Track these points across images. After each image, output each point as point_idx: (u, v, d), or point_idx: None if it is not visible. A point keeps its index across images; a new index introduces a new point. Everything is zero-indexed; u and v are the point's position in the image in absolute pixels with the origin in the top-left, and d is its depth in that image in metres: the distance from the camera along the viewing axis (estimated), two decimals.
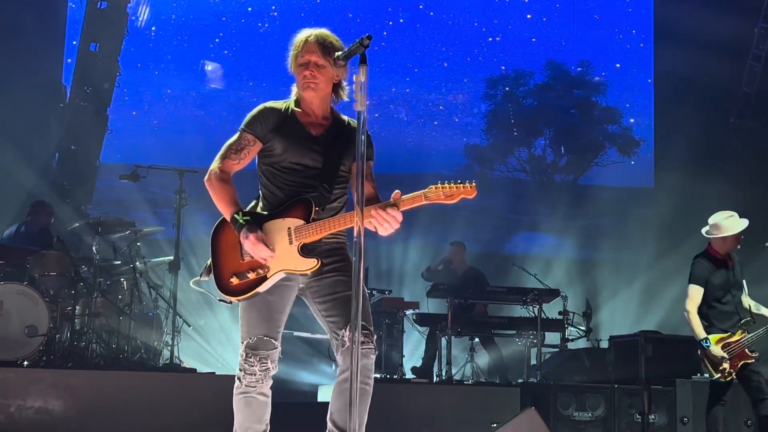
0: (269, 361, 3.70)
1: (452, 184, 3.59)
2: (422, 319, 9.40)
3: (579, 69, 15.38)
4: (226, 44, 13.70)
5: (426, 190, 3.59)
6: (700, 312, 6.52)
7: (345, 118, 3.92)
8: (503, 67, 15.08)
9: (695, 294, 6.50)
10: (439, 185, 3.59)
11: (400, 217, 3.55)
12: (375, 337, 3.72)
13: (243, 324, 3.74)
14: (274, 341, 3.70)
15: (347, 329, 3.61)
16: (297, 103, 3.85)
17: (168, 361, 7.78)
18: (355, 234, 3.20)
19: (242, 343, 3.73)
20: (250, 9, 14.13)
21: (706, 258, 6.61)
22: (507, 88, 15.28)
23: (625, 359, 8.55)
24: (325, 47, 3.73)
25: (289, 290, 3.76)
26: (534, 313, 9.05)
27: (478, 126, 15.18)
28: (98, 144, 11.75)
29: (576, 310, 9.52)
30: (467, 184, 3.60)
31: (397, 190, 3.59)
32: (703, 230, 6.71)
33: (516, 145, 15.28)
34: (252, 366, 3.67)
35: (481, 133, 15.26)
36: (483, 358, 9.70)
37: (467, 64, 14.93)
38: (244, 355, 3.69)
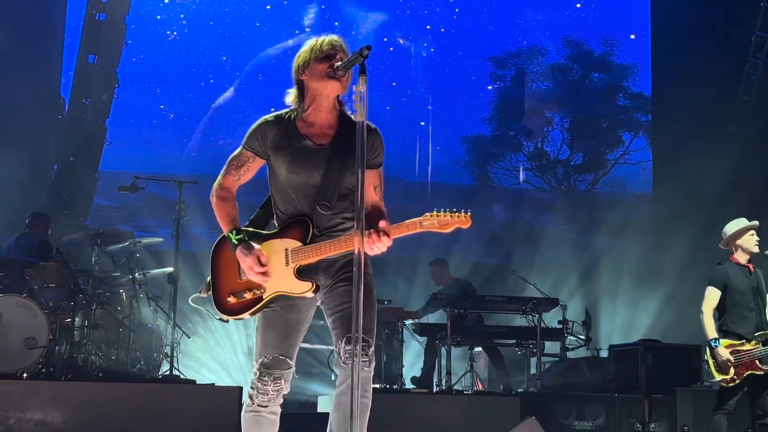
0: (283, 381, 3.66)
1: (447, 213, 3.61)
2: (422, 329, 9.38)
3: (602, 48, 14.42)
4: (133, 51, 13.38)
5: (422, 217, 3.61)
6: (720, 318, 6.61)
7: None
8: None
9: (710, 296, 6.61)
10: (434, 213, 3.61)
11: (390, 243, 3.57)
12: (373, 348, 3.67)
13: (259, 342, 3.69)
14: (289, 360, 3.67)
15: (343, 341, 3.58)
16: (300, 113, 3.72)
17: (167, 373, 7.77)
18: (355, 251, 3.16)
19: (256, 361, 3.68)
20: (159, 17, 14.05)
21: (728, 263, 6.71)
22: (516, 69, 14.40)
23: (626, 368, 8.54)
24: (346, 51, 3.66)
25: (308, 306, 3.73)
26: (533, 322, 9.04)
27: (481, 114, 14.37)
28: (97, 155, 11.76)
29: (575, 319, 9.51)
30: (462, 214, 3.63)
31: (383, 222, 3.59)
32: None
33: (524, 138, 14.47)
34: (265, 385, 3.64)
35: (485, 121, 14.41)
36: (485, 368, 9.69)
37: (468, 42, 14.50)
38: (258, 374, 3.65)
